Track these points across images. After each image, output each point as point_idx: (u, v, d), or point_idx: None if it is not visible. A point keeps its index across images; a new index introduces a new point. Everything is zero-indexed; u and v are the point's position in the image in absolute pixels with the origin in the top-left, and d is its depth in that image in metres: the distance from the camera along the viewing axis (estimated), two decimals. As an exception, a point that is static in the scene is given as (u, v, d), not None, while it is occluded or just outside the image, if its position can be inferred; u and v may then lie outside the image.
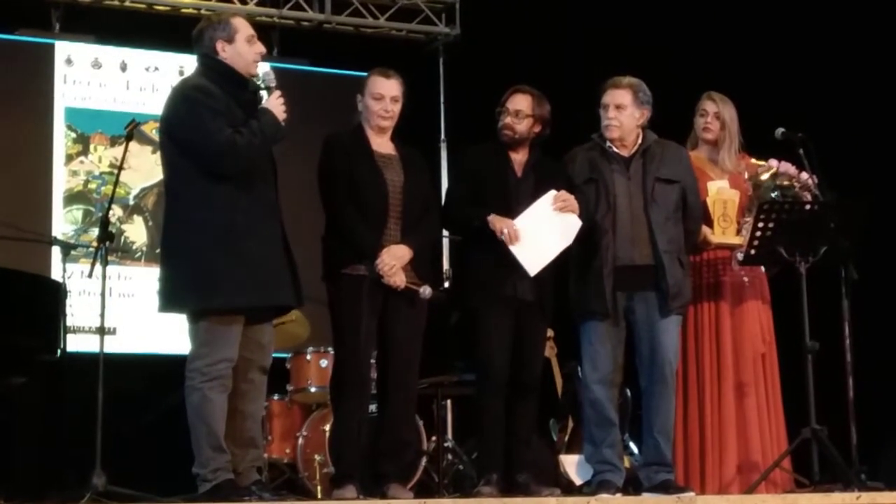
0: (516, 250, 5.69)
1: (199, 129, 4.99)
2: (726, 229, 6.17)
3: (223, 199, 5.01)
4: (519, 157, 5.92)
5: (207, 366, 5.01)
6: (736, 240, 6.16)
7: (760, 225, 5.94)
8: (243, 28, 5.20)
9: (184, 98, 5.08)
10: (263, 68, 5.29)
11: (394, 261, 5.48)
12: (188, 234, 5.02)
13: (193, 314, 5.08)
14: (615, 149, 5.88)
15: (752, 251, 6.01)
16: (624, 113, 5.85)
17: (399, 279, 5.50)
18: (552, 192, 5.77)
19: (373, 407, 5.79)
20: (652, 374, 5.79)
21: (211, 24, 5.19)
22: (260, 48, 5.24)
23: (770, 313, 6.35)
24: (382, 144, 5.69)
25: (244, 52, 5.17)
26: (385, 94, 5.66)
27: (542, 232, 5.71)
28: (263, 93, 5.23)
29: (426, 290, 5.56)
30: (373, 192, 5.55)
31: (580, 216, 5.77)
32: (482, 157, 5.94)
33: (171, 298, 5.08)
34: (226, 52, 5.15)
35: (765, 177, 6.20)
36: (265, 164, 5.19)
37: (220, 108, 5.03)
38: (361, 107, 5.71)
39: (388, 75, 5.69)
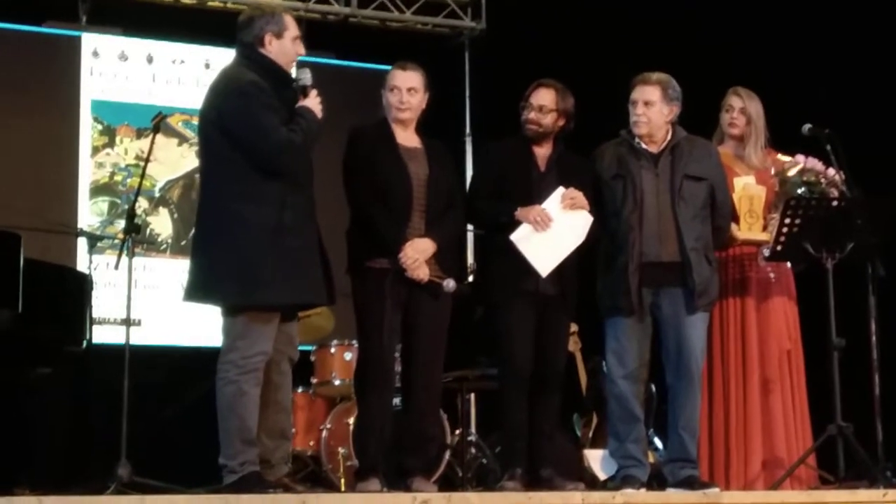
0: (526, 251, 5.67)
1: (257, 125, 4.98)
2: (752, 225, 6.15)
3: (273, 196, 5.01)
4: (542, 152, 5.91)
5: (243, 358, 5.00)
6: (762, 236, 6.14)
7: (787, 221, 5.92)
8: (292, 27, 5.20)
9: (240, 93, 5.03)
10: (300, 67, 5.28)
11: (417, 254, 5.48)
12: (233, 227, 4.99)
13: (232, 307, 5.07)
14: (644, 145, 5.87)
15: (779, 247, 5.99)
16: (652, 109, 5.83)
17: (422, 273, 5.50)
18: (560, 191, 5.76)
19: (397, 400, 5.80)
20: (678, 371, 5.78)
21: (264, 15, 5.17)
22: (301, 50, 5.24)
23: (796, 310, 6.33)
24: (407, 137, 5.69)
25: (288, 50, 5.18)
26: (401, 85, 5.65)
27: (552, 231, 5.70)
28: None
29: (450, 284, 5.55)
30: (397, 184, 5.54)
31: (591, 212, 5.77)
32: (505, 152, 5.94)
33: (207, 290, 5.07)
34: (272, 46, 5.14)
35: (791, 172, 6.18)
36: (305, 163, 5.19)
37: (275, 105, 5.03)
38: (384, 100, 5.72)
39: (405, 67, 5.69)
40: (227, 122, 5.03)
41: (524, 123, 5.90)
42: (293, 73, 5.23)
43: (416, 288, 5.53)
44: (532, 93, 5.92)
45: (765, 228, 6.17)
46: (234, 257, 4.98)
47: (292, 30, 5.19)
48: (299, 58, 5.26)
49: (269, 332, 5.05)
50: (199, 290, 5.09)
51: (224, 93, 5.09)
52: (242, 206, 4.99)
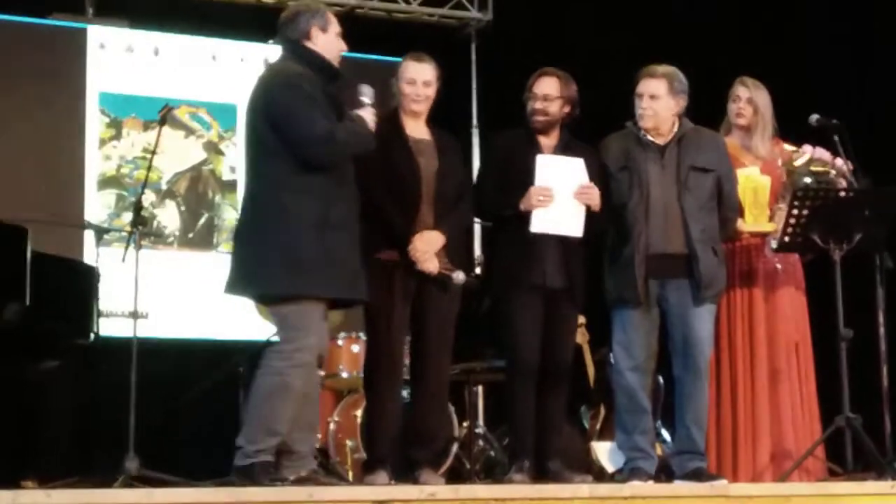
0: (551, 230, 5.66)
1: (302, 116, 5.02)
2: (758, 216, 6.13)
3: (322, 189, 5.04)
4: (548, 142, 5.90)
5: (296, 351, 5.01)
6: (768, 227, 6.13)
7: (795, 212, 5.90)
8: (335, 22, 5.27)
9: (287, 85, 5.08)
10: (364, 85, 5.32)
11: (426, 247, 5.49)
12: (284, 219, 5.01)
13: (283, 298, 5.05)
14: (650, 137, 5.86)
15: (787, 238, 5.97)
16: (658, 103, 5.82)
17: (432, 265, 5.51)
18: (540, 159, 5.72)
19: (405, 392, 5.80)
20: (685, 363, 5.77)
21: (309, 11, 5.23)
22: (344, 46, 5.30)
23: (805, 301, 6.31)
24: (417, 129, 5.69)
25: (333, 44, 5.24)
26: (417, 78, 5.66)
27: (558, 198, 5.69)
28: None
29: (459, 276, 5.56)
30: (406, 176, 5.55)
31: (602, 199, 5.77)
32: (511, 144, 5.92)
33: (258, 280, 5.05)
34: (318, 40, 5.20)
35: (799, 163, 6.16)
36: (348, 162, 5.22)
37: (319, 98, 5.07)
38: (396, 91, 5.72)
39: (421, 59, 5.71)
40: (273, 113, 5.06)
41: (531, 114, 5.90)
42: (358, 87, 5.28)
43: (425, 280, 5.54)
44: (535, 82, 5.92)
45: (771, 218, 6.15)
46: (285, 248, 4.99)
47: (335, 25, 5.26)
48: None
49: (320, 324, 5.09)
50: (247, 280, 5.06)
51: (271, 85, 5.14)
52: (290, 198, 5.02)
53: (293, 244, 4.99)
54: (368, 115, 5.22)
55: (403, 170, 5.54)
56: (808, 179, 6.07)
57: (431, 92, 5.69)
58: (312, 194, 5.03)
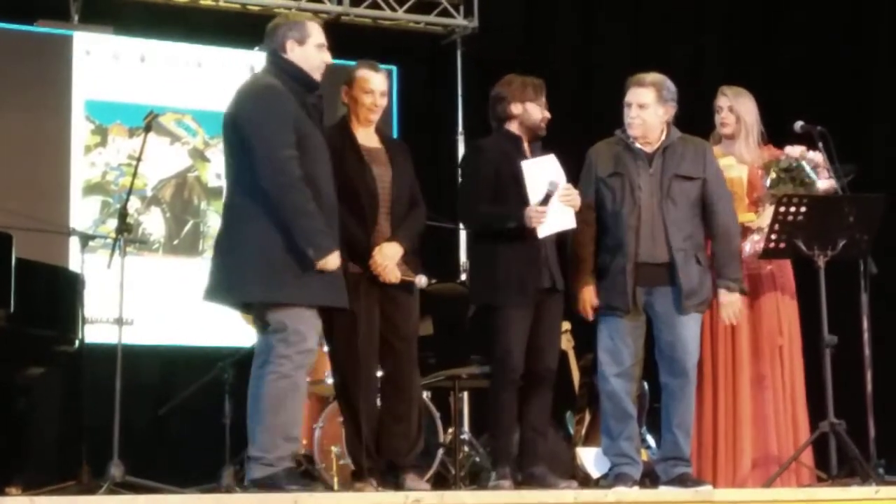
0: (553, 229, 5.67)
1: (264, 134, 5.00)
2: (737, 209, 6.13)
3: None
4: (530, 146, 5.94)
5: (298, 353, 5.03)
6: (748, 216, 6.12)
7: (779, 218, 5.91)
8: (316, 34, 5.25)
9: (255, 96, 5.09)
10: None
11: (385, 261, 5.50)
12: (261, 227, 5.01)
13: (273, 304, 5.06)
14: (639, 145, 5.86)
15: (771, 245, 5.98)
16: (647, 111, 5.81)
17: (394, 276, 5.53)
18: (525, 164, 5.74)
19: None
20: (672, 369, 5.77)
21: (287, 23, 5.26)
22: (327, 58, 5.28)
23: (794, 305, 6.30)
24: (368, 137, 5.67)
25: (311, 56, 5.22)
26: (376, 88, 5.65)
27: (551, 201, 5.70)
28: None
29: (422, 279, 5.64)
30: (362, 188, 5.52)
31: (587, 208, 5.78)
32: (497, 151, 5.90)
33: (238, 288, 5.06)
34: (294, 52, 5.20)
35: (781, 159, 6.19)
36: (328, 167, 5.21)
37: (295, 111, 5.07)
38: (347, 99, 5.70)
39: (377, 69, 5.71)
40: (239, 122, 5.06)
41: (539, 123, 5.91)
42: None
43: (388, 289, 5.55)
44: (541, 92, 5.94)
45: (756, 208, 6.16)
46: (258, 256, 4.99)
47: (316, 37, 5.25)
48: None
49: (316, 327, 5.11)
50: (220, 288, 5.08)
51: (242, 95, 5.14)
52: (265, 208, 4.99)
53: (267, 252, 4.99)
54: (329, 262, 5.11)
55: (359, 181, 5.51)
56: (782, 175, 6.09)
57: (385, 101, 5.72)
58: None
